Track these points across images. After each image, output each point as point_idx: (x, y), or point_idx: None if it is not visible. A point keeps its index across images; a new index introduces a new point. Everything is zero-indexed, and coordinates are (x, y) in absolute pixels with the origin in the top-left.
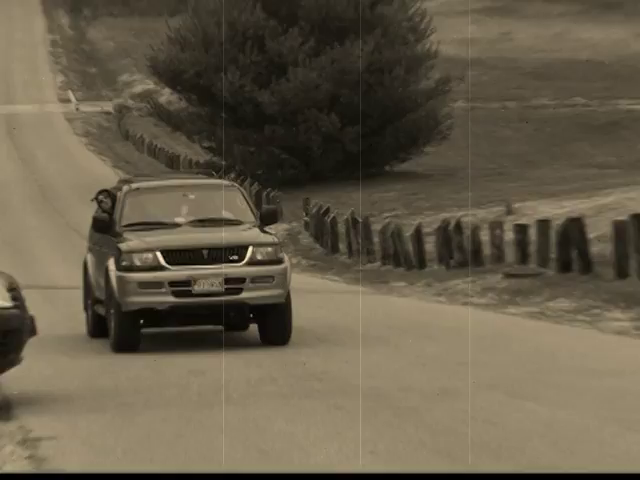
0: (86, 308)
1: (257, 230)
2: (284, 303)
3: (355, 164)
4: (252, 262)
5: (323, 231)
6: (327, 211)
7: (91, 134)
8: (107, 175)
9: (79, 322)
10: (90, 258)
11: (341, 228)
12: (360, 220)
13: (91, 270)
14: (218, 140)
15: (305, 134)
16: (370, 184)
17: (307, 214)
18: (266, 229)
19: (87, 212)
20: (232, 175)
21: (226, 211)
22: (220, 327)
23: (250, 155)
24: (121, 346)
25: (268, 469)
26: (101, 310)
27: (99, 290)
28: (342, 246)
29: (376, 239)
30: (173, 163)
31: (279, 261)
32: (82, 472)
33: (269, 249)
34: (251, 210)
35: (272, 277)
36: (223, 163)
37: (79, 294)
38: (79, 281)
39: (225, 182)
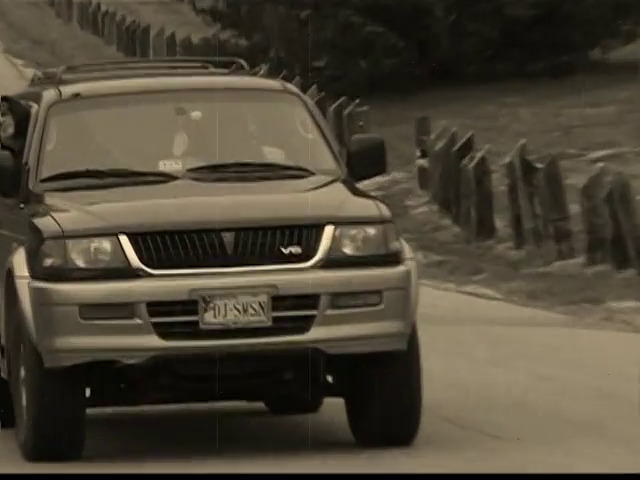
0: None
1: (343, 188)
2: (405, 352)
3: (525, 48)
4: (333, 260)
5: (459, 189)
6: (468, 146)
7: None
8: None
9: None
10: None
11: (498, 182)
12: (540, 166)
13: None
14: None
15: None
16: (558, 89)
17: (424, 153)
18: (359, 186)
19: None
20: (262, 69)
21: (273, 147)
22: (261, 405)
23: (300, 27)
24: (42, 447)
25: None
26: None
27: None
28: (500, 222)
29: (575, 208)
30: (135, 44)
31: (393, 257)
32: (83, 472)
33: (371, 231)
34: (328, 145)
35: (378, 294)
36: (243, 44)
37: None
38: None
39: (271, 82)
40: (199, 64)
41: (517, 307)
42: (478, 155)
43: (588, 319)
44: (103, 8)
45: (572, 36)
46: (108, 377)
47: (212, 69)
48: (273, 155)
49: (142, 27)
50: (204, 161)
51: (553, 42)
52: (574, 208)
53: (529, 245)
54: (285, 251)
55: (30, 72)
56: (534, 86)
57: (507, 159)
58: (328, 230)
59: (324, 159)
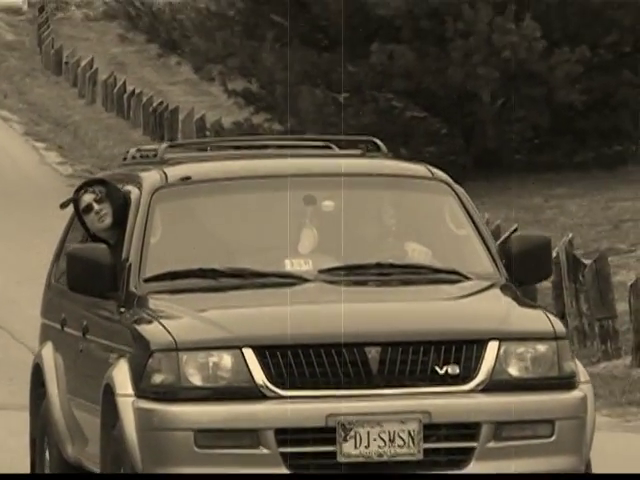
0: None
1: (504, 296)
2: None
3: (575, 136)
4: (497, 383)
5: None
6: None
7: None
8: (14, 155)
9: None
10: (51, 359)
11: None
12: (588, 262)
13: (55, 390)
14: (265, 75)
15: (464, 64)
16: (608, 181)
17: None
18: (520, 294)
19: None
20: None
21: (419, 245)
22: None
23: (337, 112)
24: None
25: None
26: None
27: (77, 443)
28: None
29: (623, 306)
30: (163, 128)
31: (567, 381)
32: (84, 473)
33: (541, 349)
34: (484, 244)
35: (550, 424)
36: (277, 128)
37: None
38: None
39: (417, 167)
40: (321, 143)
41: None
42: None
43: (635, 422)
44: (129, 88)
45: (625, 125)
46: None
47: (338, 150)
48: (419, 255)
49: (170, 109)
50: (338, 261)
51: (604, 131)
52: (622, 306)
53: (573, 344)
54: (440, 371)
55: (51, 156)
56: (583, 177)
57: (553, 254)
58: (491, 347)
59: (479, 260)
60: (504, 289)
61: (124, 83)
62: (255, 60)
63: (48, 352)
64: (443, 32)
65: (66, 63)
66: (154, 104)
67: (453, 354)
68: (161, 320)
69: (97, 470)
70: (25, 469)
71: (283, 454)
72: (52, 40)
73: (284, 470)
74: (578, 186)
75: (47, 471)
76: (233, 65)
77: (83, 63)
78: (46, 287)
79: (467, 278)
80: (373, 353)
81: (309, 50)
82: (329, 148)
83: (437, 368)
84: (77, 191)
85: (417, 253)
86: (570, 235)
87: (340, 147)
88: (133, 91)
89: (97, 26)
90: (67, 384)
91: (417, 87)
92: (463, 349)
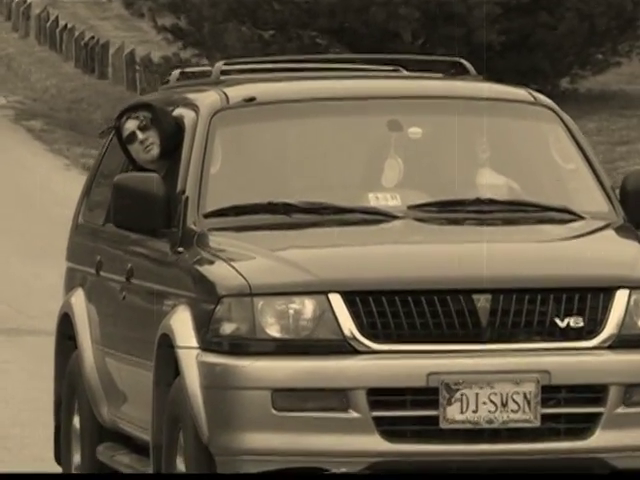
0: (60, 456)
1: (626, 239)
2: None
3: (493, 75)
4: (627, 338)
5: None
6: None
7: None
8: None
9: None
10: (83, 307)
11: None
12: None
13: (88, 343)
14: (193, 11)
15: (386, 4)
16: None
17: None
18: None
19: None
20: None
21: (521, 178)
22: None
23: (263, 48)
24: None
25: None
26: (125, 464)
27: (114, 402)
28: None
29: None
30: (94, 61)
31: None
32: (84, 472)
33: None
34: (597, 179)
35: None
36: (205, 63)
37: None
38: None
39: (518, 92)
40: (391, 67)
41: None
42: None
43: None
44: (62, 23)
45: (542, 64)
46: None
47: (407, 73)
48: (520, 189)
49: (101, 43)
50: (429, 195)
51: (521, 71)
52: None
53: None
54: (561, 324)
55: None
56: None
57: None
58: (620, 296)
59: (592, 198)
60: (624, 230)
61: (57, 18)
62: None
63: (79, 300)
64: None
65: None
66: (85, 39)
67: (576, 304)
68: (230, 261)
69: (139, 434)
70: None
71: (376, 418)
72: None
73: (377, 438)
74: None
75: (76, 436)
76: (162, 1)
77: None
78: (73, 228)
79: (580, 217)
80: (482, 302)
81: None
82: (396, 71)
83: (557, 320)
84: (118, 118)
85: (521, 189)
86: None
87: (412, 70)
88: (65, 25)
89: None
90: (103, 336)
91: (340, 26)
92: (587, 298)
